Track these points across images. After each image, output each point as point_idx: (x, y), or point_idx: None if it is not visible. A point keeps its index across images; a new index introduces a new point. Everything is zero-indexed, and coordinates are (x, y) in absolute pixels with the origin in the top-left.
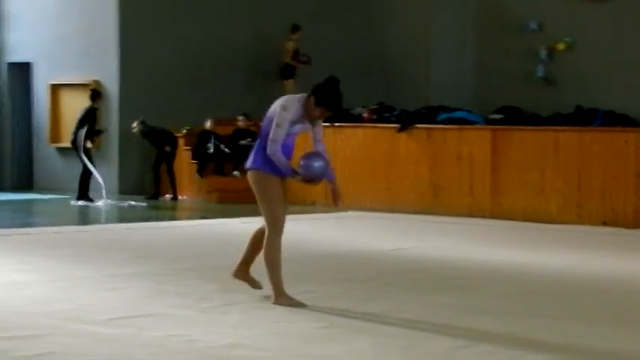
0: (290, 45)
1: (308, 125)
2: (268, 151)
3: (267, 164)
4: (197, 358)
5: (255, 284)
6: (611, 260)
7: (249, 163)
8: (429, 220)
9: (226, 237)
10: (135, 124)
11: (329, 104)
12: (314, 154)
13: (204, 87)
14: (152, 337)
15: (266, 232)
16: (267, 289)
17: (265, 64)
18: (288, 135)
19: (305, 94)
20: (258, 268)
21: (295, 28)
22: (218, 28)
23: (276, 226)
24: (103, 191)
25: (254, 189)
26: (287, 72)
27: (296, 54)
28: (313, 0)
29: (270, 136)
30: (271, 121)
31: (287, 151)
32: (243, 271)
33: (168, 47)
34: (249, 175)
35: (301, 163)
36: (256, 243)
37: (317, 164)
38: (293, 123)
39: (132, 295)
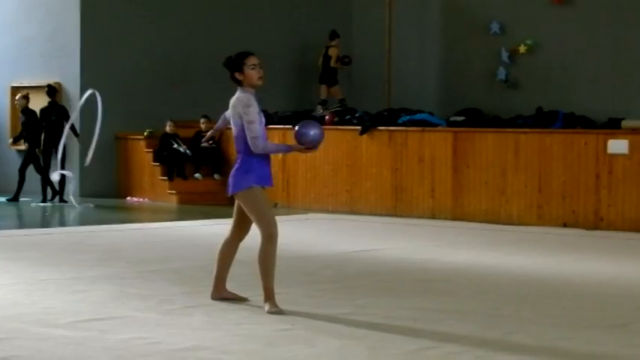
0: (333, 51)
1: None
2: (257, 150)
3: (248, 179)
4: None
5: (238, 298)
6: (573, 262)
7: (231, 189)
8: (391, 222)
9: (190, 239)
10: (18, 97)
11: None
12: (309, 123)
13: (167, 90)
14: (115, 340)
15: (260, 241)
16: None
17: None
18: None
19: (239, 89)
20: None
21: (334, 35)
22: (186, 32)
23: (270, 235)
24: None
25: (245, 208)
26: (331, 78)
27: (338, 58)
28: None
29: (250, 135)
30: (240, 131)
31: (262, 155)
32: (220, 290)
33: (132, 51)
34: (237, 198)
35: (297, 130)
36: (225, 258)
37: (312, 132)
38: (260, 116)
39: (95, 298)
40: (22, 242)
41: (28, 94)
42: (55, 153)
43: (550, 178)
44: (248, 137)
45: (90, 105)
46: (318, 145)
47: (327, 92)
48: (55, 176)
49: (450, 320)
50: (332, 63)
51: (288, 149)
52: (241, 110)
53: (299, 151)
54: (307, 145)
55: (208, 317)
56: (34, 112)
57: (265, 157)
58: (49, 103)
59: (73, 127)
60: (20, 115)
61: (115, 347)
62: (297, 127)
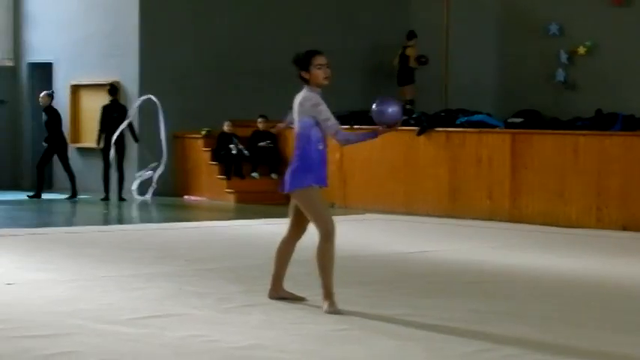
0: (411, 51)
1: None
2: (341, 143)
3: (308, 178)
4: (219, 358)
5: (296, 298)
6: (632, 266)
7: (288, 187)
8: (448, 224)
9: (247, 238)
10: (42, 94)
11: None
12: (385, 100)
13: (227, 89)
14: (174, 337)
15: (318, 240)
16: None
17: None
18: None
19: (306, 88)
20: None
21: (412, 35)
22: (244, 31)
23: (327, 234)
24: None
25: (302, 207)
26: (408, 78)
27: (415, 58)
28: (335, 3)
29: (329, 132)
30: (302, 130)
31: (322, 155)
32: (278, 289)
33: (191, 50)
34: (294, 196)
35: (374, 109)
36: (282, 257)
37: (390, 110)
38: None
39: (154, 296)
40: (80, 239)
41: (52, 92)
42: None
43: (609, 181)
44: (329, 134)
45: (147, 107)
46: (398, 122)
47: (412, 91)
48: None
49: (504, 322)
50: (410, 63)
51: (372, 135)
52: (312, 110)
53: (383, 133)
54: (388, 124)
55: (266, 316)
56: (56, 110)
57: (324, 158)
58: (111, 101)
59: (132, 131)
60: (43, 113)
61: (172, 344)
62: (374, 106)
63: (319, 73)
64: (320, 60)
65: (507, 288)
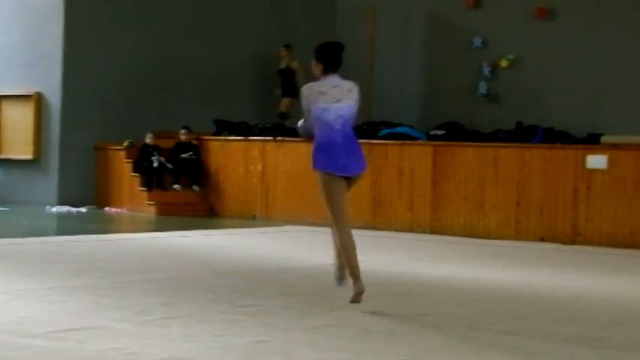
0: (295, 65)
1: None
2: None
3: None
4: None
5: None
6: (548, 275)
7: (362, 168)
8: (369, 235)
9: (167, 250)
10: None
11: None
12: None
13: (149, 100)
14: (92, 351)
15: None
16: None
17: (218, 77)
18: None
19: (339, 76)
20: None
21: (287, 47)
22: (167, 43)
23: (338, 222)
24: None
25: (319, 187)
26: (290, 91)
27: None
28: (261, 13)
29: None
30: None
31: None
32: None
33: (114, 60)
34: (359, 178)
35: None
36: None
37: (299, 123)
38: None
39: (72, 308)
40: None
41: None
42: None
43: (529, 193)
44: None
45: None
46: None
47: (288, 105)
48: None
49: (438, 332)
50: (297, 78)
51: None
52: (356, 95)
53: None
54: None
55: (185, 328)
56: None
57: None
58: None
59: None
60: None
61: (91, 357)
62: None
63: None
64: None
65: (428, 298)
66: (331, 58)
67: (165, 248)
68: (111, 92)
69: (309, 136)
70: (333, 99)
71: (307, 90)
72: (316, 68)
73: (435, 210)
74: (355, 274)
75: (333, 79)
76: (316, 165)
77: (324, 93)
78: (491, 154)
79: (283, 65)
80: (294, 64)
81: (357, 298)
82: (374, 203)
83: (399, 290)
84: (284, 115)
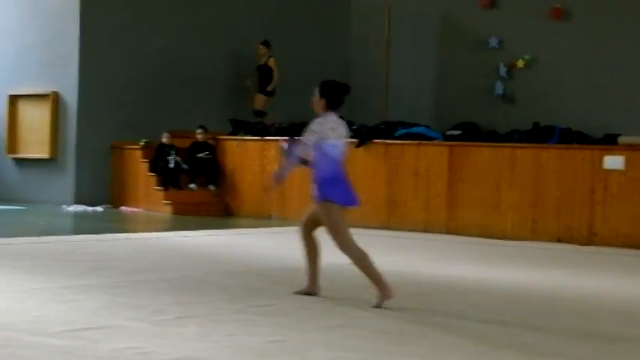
0: (272, 62)
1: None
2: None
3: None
4: None
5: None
6: (564, 276)
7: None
8: (384, 235)
9: (182, 250)
10: None
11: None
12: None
13: (165, 100)
14: (106, 350)
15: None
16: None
17: (231, 79)
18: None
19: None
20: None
21: (266, 44)
22: (183, 43)
23: (348, 247)
24: None
25: (327, 216)
26: (264, 88)
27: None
28: (276, 14)
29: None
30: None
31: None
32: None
33: (131, 60)
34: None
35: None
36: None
37: (284, 144)
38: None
39: (87, 307)
40: (13, 251)
41: None
42: None
43: (545, 193)
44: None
45: (89, 115)
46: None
47: (263, 103)
48: None
49: (452, 331)
50: (273, 76)
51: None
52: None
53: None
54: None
55: (200, 328)
56: None
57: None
58: None
59: None
60: None
61: (106, 357)
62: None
63: None
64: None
65: (449, 297)
66: (336, 98)
67: (180, 247)
68: (127, 92)
69: (296, 162)
70: (339, 136)
71: (321, 125)
72: (318, 102)
73: (451, 210)
74: (382, 282)
75: (334, 116)
76: (326, 196)
77: (335, 130)
78: (507, 155)
79: (262, 62)
80: (271, 62)
81: (381, 304)
82: (389, 203)
83: (413, 290)
84: (260, 113)
